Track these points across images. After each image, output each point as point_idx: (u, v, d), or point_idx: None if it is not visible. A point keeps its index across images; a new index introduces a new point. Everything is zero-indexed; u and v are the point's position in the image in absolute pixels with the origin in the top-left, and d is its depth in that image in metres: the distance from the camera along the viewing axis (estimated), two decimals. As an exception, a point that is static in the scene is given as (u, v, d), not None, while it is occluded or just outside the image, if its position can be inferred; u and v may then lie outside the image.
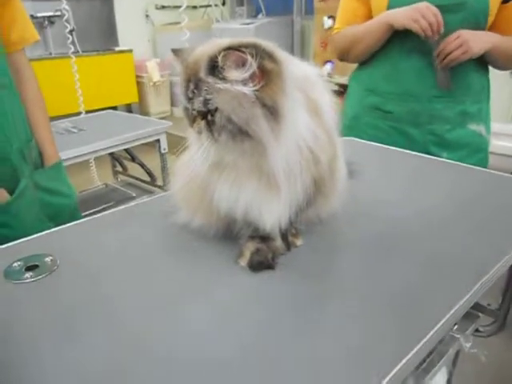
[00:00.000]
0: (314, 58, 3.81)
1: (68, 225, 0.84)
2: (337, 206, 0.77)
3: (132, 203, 0.95)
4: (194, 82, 0.57)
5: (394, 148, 1.25)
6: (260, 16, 4.52)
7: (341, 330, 0.56)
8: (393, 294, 0.62)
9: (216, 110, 0.56)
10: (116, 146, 1.90)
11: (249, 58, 0.54)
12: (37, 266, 0.70)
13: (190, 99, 0.58)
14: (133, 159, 2.22)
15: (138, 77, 4.46)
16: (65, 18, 2.74)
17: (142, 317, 0.59)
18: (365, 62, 1.44)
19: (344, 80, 3.58)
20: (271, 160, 0.59)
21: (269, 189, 0.63)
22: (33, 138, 1.08)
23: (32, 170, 1.05)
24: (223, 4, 4.92)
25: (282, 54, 0.59)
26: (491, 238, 0.77)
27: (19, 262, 0.71)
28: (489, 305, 1.02)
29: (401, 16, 1.24)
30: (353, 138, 1.35)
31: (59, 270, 0.70)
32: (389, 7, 1.30)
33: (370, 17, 1.39)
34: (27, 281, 0.67)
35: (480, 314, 1.01)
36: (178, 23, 4.45)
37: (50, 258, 0.72)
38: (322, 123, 0.63)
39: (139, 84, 4.51)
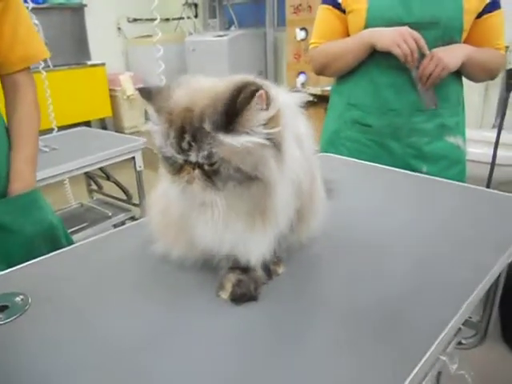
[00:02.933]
0: (287, 70, 3.84)
1: (38, 258, 0.81)
2: (317, 229, 0.77)
3: (107, 222, 0.93)
4: (190, 134, 0.54)
5: (371, 164, 1.25)
6: (233, 28, 4.54)
7: (328, 360, 0.55)
8: (378, 318, 0.62)
9: (220, 161, 0.54)
10: (90, 165, 1.86)
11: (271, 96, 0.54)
12: (7, 307, 0.67)
13: (183, 151, 0.55)
14: (107, 177, 2.18)
15: (111, 90, 4.40)
16: (34, 33, 2.67)
17: (119, 355, 0.57)
18: (343, 76, 1.46)
19: (317, 90, 3.62)
20: (275, 198, 0.59)
21: (257, 225, 0.61)
22: (2, 165, 1.03)
23: None
24: (195, 16, 4.91)
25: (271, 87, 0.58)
26: (473, 254, 0.77)
27: (-13, 303, 0.68)
28: (470, 317, 1.02)
29: (384, 38, 1.26)
30: (330, 155, 1.35)
31: (31, 309, 0.67)
32: (366, 26, 1.33)
33: (346, 33, 1.41)
34: (-2, 323, 0.64)
35: (462, 327, 1.01)
36: (151, 36, 4.45)
37: (21, 296, 0.69)
38: (303, 152, 0.63)
39: (113, 98, 4.46)
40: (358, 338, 0.58)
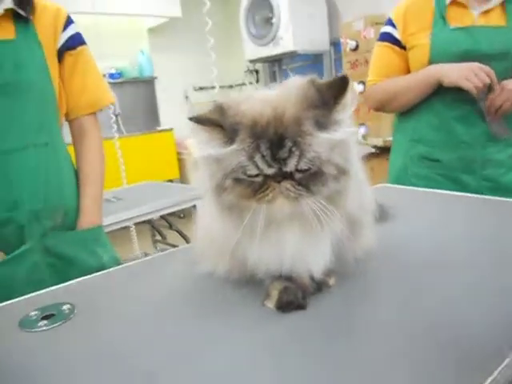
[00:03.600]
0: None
1: (91, 275, 0.82)
2: (368, 247, 0.72)
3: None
4: (292, 140, 0.52)
5: (429, 190, 1.19)
6: (293, 89, 4.68)
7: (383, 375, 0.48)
8: (431, 344, 0.53)
9: (320, 162, 0.53)
10: (152, 212, 1.92)
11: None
12: (53, 315, 0.67)
13: (279, 161, 0.52)
14: (170, 226, 2.24)
15: (179, 154, 4.64)
16: (111, 110, 2.94)
17: (163, 364, 0.53)
18: (405, 112, 1.42)
19: (379, 141, 3.57)
20: (348, 193, 0.58)
21: (315, 236, 0.59)
22: (69, 202, 1.09)
23: (45, 233, 1.02)
24: (257, 81, 5.16)
25: None
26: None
27: (36, 312, 0.68)
28: None
29: (453, 74, 1.23)
30: (390, 185, 1.30)
31: (75, 317, 0.66)
32: (430, 62, 1.30)
33: (405, 69, 1.39)
34: (41, 329, 0.63)
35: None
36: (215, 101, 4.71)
37: (68, 306, 0.69)
38: None
39: (180, 161, 4.68)
40: (417, 354, 0.51)
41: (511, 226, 0.87)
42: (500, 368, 0.46)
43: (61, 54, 1.09)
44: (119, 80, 4.43)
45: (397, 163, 1.47)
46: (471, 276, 0.68)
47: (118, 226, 1.80)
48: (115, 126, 2.92)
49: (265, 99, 0.57)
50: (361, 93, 3.66)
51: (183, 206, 2.03)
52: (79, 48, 1.12)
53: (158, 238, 2.44)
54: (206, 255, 0.73)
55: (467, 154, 1.31)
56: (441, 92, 1.29)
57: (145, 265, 0.87)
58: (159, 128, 4.63)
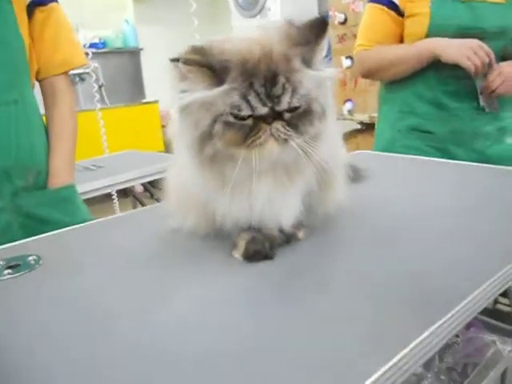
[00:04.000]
0: (333, 97, 3.82)
1: (60, 230, 0.81)
2: (340, 200, 0.71)
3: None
4: (284, 76, 0.51)
5: (407, 156, 1.19)
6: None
7: (346, 318, 0.48)
8: (402, 285, 0.54)
9: (310, 100, 0.53)
10: (133, 179, 1.90)
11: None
12: (18, 265, 0.66)
13: (273, 98, 0.51)
14: (151, 196, 2.22)
15: (164, 126, 4.58)
16: (93, 78, 2.86)
17: (129, 310, 0.53)
18: (394, 82, 1.38)
19: (364, 117, 3.56)
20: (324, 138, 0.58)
21: (287, 187, 0.59)
22: (40, 161, 1.06)
23: (17, 193, 1.00)
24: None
25: None
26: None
27: (1, 262, 0.67)
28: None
29: (452, 51, 1.19)
30: (366, 151, 1.30)
31: (41, 268, 0.65)
32: (427, 35, 1.25)
33: (399, 37, 1.33)
34: (5, 277, 0.62)
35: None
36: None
37: (34, 257, 0.68)
38: None
39: (166, 133, 4.63)
40: (379, 303, 0.51)
41: (491, 190, 0.88)
42: (458, 308, 0.46)
43: (31, 9, 1.04)
44: (103, 50, 4.32)
45: (384, 135, 1.43)
46: (442, 227, 0.68)
47: (98, 193, 1.78)
48: (97, 96, 2.84)
49: (248, 38, 0.55)
50: (348, 67, 3.63)
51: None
52: (50, 4, 1.07)
53: (140, 208, 2.42)
54: (176, 210, 0.72)
55: (458, 126, 1.30)
56: (436, 66, 1.25)
57: (115, 221, 0.86)
58: (144, 100, 4.55)
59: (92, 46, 4.21)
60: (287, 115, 0.52)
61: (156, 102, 4.42)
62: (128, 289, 0.57)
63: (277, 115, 0.52)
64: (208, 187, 0.60)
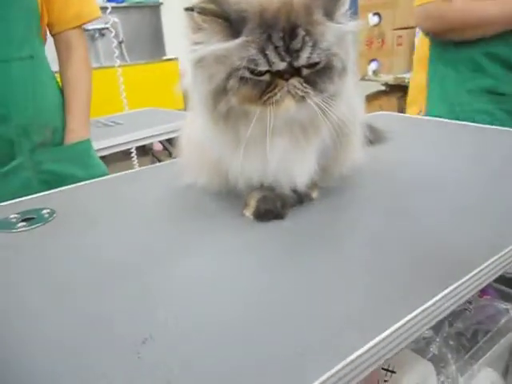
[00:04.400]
0: (358, 57, 3.70)
1: (74, 185, 0.81)
2: (356, 160, 0.69)
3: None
4: (304, 28, 0.47)
5: (431, 118, 1.14)
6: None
7: (355, 278, 0.48)
8: (415, 249, 0.52)
9: (331, 55, 0.50)
10: (152, 136, 1.90)
11: None
12: (33, 218, 0.67)
13: (292, 52, 0.48)
14: (170, 154, 2.22)
15: (184, 84, 4.54)
16: (112, 34, 2.82)
17: (140, 267, 0.52)
18: (466, 41, 1.21)
19: (389, 79, 3.45)
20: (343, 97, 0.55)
21: (302, 146, 0.57)
22: (56, 118, 1.06)
23: (35, 149, 1.00)
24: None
25: None
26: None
27: (16, 215, 0.68)
28: None
29: None
30: (387, 112, 1.26)
31: (54, 221, 0.66)
32: None
33: None
34: (19, 230, 0.63)
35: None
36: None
37: (48, 210, 0.69)
38: None
39: (185, 91, 4.58)
40: (384, 267, 0.49)
41: None
42: (470, 275, 0.45)
43: None
44: (123, 4, 4.24)
45: (448, 97, 1.27)
46: (460, 199, 0.66)
47: (116, 150, 1.78)
48: (117, 52, 2.81)
49: None
50: (375, 25, 3.49)
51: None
52: None
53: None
54: (189, 166, 0.72)
55: None
56: None
57: (130, 176, 0.86)
58: (164, 57, 4.49)
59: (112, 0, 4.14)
60: (306, 71, 0.49)
61: (176, 59, 4.36)
62: (140, 246, 0.58)
63: (295, 71, 0.49)
64: (221, 144, 0.58)
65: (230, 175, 0.62)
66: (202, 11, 0.48)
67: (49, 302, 0.46)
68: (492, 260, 0.48)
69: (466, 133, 1.02)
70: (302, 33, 0.47)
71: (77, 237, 0.61)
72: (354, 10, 0.54)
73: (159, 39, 4.58)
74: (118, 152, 1.83)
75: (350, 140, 0.66)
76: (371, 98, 3.50)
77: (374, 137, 0.85)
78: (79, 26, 1.10)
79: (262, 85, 0.49)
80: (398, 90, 3.52)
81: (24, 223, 0.65)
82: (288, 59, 0.48)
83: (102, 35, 4.19)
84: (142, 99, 3.78)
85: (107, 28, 4.02)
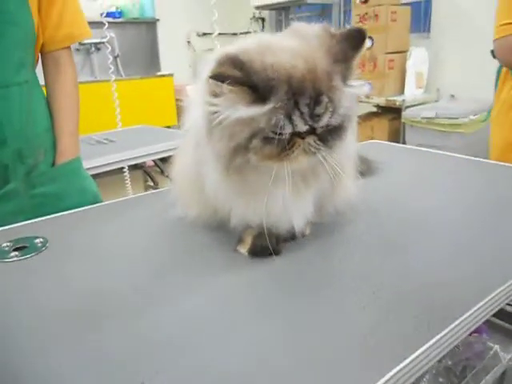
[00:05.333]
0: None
1: (66, 212, 0.81)
2: (349, 197, 0.71)
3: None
4: (327, 95, 0.50)
5: (421, 149, 1.17)
6: (298, 40, 4.54)
7: (342, 317, 0.48)
8: (406, 290, 0.53)
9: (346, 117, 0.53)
10: (144, 156, 1.90)
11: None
12: (25, 247, 0.67)
13: (315, 117, 0.50)
14: (162, 172, 2.22)
15: (178, 100, 4.55)
16: (108, 50, 2.82)
17: (131, 297, 0.53)
18: None
19: (381, 101, 3.50)
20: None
21: (302, 193, 0.59)
22: (47, 139, 1.06)
23: (29, 173, 1.00)
24: (262, 30, 4.99)
25: None
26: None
27: (8, 243, 0.68)
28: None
29: None
30: (377, 141, 1.28)
31: (47, 251, 0.66)
32: None
33: None
34: (12, 260, 0.63)
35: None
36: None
37: (41, 239, 0.69)
38: None
39: (179, 108, 4.60)
40: (382, 306, 0.51)
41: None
42: (458, 322, 0.46)
43: None
44: (120, 20, 4.27)
45: None
46: (452, 238, 0.67)
47: (108, 168, 1.78)
48: (112, 68, 2.82)
49: (290, 49, 0.53)
50: (368, 49, 3.55)
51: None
52: None
53: (151, 183, 2.43)
54: (181, 199, 0.72)
55: None
56: None
57: (122, 204, 0.86)
58: (159, 73, 4.51)
59: (109, 15, 4.16)
60: (320, 129, 0.52)
61: (171, 75, 4.39)
62: (131, 281, 0.58)
63: (311, 130, 0.51)
64: (228, 193, 0.60)
65: (232, 219, 0.63)
66: (227, 80, 0.49)
67: (38, 334, 0.46)
68: (478, 306, 0.49)
69: (454, 163, 1.04)
70: (325, 100, 0.50)
71: (69, 269, 0.61)
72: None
73: (154, 55, 4.62)
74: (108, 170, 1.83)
75: (344, 177, 0.68)
76: (363, 119, 3.55)
77: (366, 168, 0.86)
78: (69, 46, 1.11)
79: (282, 143, 0.51)
80: (389, 111, 3.58)
81: (16, 252, 0.65)
82: (310, 123, 0.50)
83: (98, 49, 4.21)
84: (136, 114, 3.80)
85: (103, 43, 4.07)
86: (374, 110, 3.77)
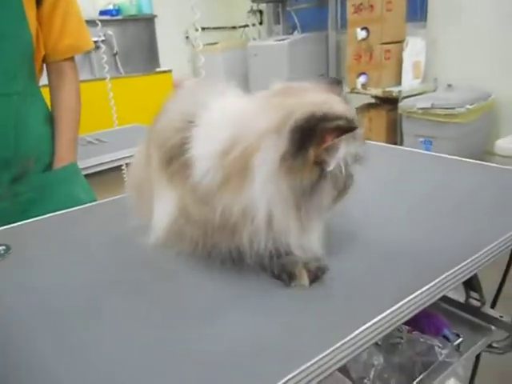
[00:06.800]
0: (347, 71, 3.75)
1: (32, 219, 0.84)
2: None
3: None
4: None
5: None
6: (295, 33, 4.53)
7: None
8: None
9: None
10: (130, 157, 1.92)
11: None
12: (-12, 255, 0.70)
13: None
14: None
15: (177, 96, 4.57)
16: (103, 49, 2.84)
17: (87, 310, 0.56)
18: None
19: (378, 91, 3.48)
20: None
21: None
22: (41, 149, 1.09)
23: (15, 180, 1.02)
24: (260, 23, 4.98)
25: None
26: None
27: (-29, 251, 0.71)
28: (501, 316, 0.91)
29: None
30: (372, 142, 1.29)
31: (10, 257, 0.69)
32: None
33: None
34: (-27, 267, 0.67)
35: (492, 327, 0.90)
36: (216, 43, 4.57)
37: (3, 247, 0.72)
38: None
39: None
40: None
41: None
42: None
43: None
44: (118, 17, 4.29)
45: None
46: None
47: (96, 170, 1.81)
48: (106, 67, 2.84)
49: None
50: (363, 39, 3.53)
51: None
52: None
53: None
54: (137, 210, 0.72)
55: None
56: None
57: (85, 212, 0.89)
58: (158, 69, 4.54)
59: (106, 12, 4.19)
60: None
61: (170, 71, 4.41)
62: (87, 293, 0.59)
63: None
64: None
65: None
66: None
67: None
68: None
69: (437, 164, 1.05)
70: None
71: (31, 276, 0.64)
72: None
73: (153, 51, 4.63)
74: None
75: None
76: (361, 111, 3.54)
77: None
78: (72, 57, 1.14)
79: None
80: (387, 102, 3.56)
81: (-21, 260, 0.68)
82: None
83: (97, 47, 4.23)
84: (134, 111, 3.83)
85: (102, 40, 4.09)
86: (372, 100, 3.76)
